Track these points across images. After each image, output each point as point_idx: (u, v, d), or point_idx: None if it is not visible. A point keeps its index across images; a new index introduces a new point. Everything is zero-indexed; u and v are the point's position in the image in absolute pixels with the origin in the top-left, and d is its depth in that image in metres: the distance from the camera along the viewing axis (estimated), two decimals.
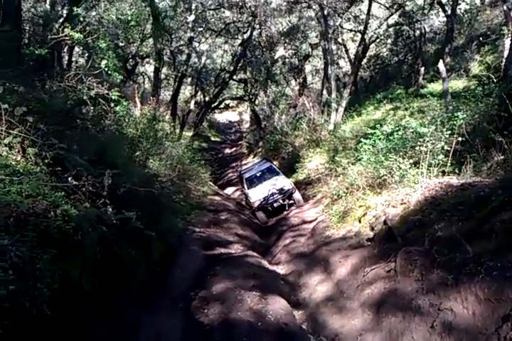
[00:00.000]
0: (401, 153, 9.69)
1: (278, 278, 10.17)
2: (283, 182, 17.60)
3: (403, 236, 7.88)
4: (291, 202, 17.22)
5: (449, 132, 8.74)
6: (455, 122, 8.80)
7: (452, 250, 6.34)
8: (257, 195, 17.39)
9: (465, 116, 8.96)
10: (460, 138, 8.63)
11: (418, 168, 8.90)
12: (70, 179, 6.07)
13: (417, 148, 8.99)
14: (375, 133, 11.35)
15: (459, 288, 5.65)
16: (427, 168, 8.74)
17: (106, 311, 6.18)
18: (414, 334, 5.90)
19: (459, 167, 8.68)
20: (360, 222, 10.29)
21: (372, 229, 9.21)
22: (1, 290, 3.84)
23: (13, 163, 5.50)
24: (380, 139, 11.09)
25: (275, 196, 17.01)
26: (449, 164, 8.67)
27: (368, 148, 11.45)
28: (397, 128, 10.76)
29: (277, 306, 7.93)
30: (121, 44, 21.92)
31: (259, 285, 8.77)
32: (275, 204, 17.03)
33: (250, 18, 27.06)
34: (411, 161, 9.22)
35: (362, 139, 11.75)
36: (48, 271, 4.55)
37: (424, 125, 9.26)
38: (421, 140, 9.05)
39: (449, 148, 8.63)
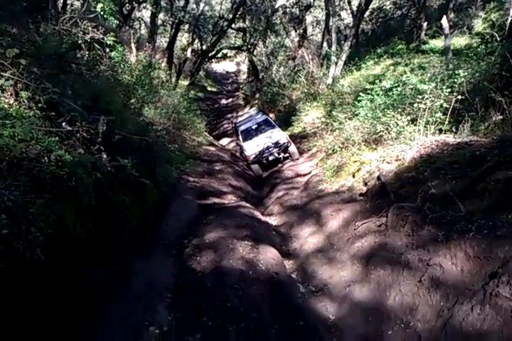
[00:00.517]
0: (399, 110, 9.60)
1: (270, 229, 10.32)
2: (278, 135, 17.38)
3: (396, 193, 7.94)
4: (287, 155, 17.15)
5: (448, 90, 8.62)
6: (455, 80, 8.69)
7: (444, 207, 6.41)
8: (252, 148, 17.21)
9: (466, 74, 8.80)
10: (459, 97, 8.53)
11: (415, 125, 8.84)
12: (64, 124, 5.95)
13: (416, 105, 8.89)
14: (373, 88, 11.23)
15: (448, 245, 5.74)
16: (424, 126, 8.69)
17: (99, 256, 6.23)
18: (402, 287, 6.03)
19: (457, 125, 8.63)
20: (353, 177, 10.35)
21: (365, 184, 9.27)
22: None
23: (5, 106, 5.35)
24: (378, 95, 10.99)
25: (270, 149, 16.87)
26: (446, 122, 8.62)
27: (366, 104, 11.37)
28: (396, 84, 10.63)
29: (268, 256, 8.09)
30: None
31: (252, 235, 8.92)
32: (270, 158, 16.93)
33: None
34: (408, 118, 9.15)
35: (361, 94, 11.63)
36: (42, 216, 4.54)
37: (424, 82, 9.12)
38: (420, 97, 8.96)
39: (447, 106, 8.55)
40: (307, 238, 9.38)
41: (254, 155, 17.02)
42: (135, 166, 6.77)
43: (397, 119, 9.25)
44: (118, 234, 6.90)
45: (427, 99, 8.60)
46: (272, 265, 7.80)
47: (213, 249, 8.10)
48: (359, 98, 11.62)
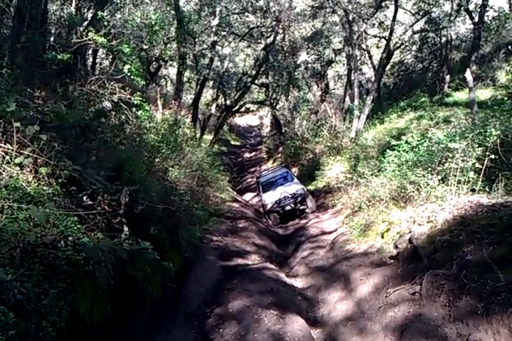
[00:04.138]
0: (429, 169, 9.27)
1: (296, 293, 9.82)
2: (296, 187, 18.34)
3: (429, 257, 7.54)
4: (304, 207, 17.88)
5: (481, 148, 8.31)
6: (488, 138, 8.38)
7: (483, 276, 6.02)
8: (270, 197, 18.17)
9: (499, 132, 8.48)
10: (493, 156, 8.19)
11: (447, 184, 8.50)
12: (85, 198, 5.75)
13: (447, 164, 8.59)
14: (400, 144, 11.03)
15: (489, 319, 5.34)
16: (455, 185, 8.34)
17: (117, 336, 5.81)
18: None
19: (489, 184, 8.28)
20: (382, 237, 9.95)
21: (396, 246, 8.85)
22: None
23: (23, 184, 5.07)
24: (405, 151, 10.77)
25: (287, 200, 17.70)
26: (479, 182, 8.26)
27: (392, 160, 11.15)
28: (422, 140, 10.41)
29: (295, 327, 7.60)
30: (145, 47, 21.85)
31: (277, 302, 8.44)
32: (287, 208, 17.71)
33: (274, 23, 26.88)
34: (439, 177, 8.82)
35: (387, 150, 11.44)
36: (55, 308, 4.17)
37: (454, 140, 8.82)
38: (449, 155, 8.69)
39: (480, 166, 8.21)
40: (335, 304, 8.87)
41: (271, 204, 17.93)
42: (157, 235, 6.45)
43: (428, 179, 8.91)
44: (137, 309, 6.47)
45: (457, 158, 8.30)
46: (299, 338, 7.27)
47: (237, 320, 7.62)
48: (385, 155, 11.42)
